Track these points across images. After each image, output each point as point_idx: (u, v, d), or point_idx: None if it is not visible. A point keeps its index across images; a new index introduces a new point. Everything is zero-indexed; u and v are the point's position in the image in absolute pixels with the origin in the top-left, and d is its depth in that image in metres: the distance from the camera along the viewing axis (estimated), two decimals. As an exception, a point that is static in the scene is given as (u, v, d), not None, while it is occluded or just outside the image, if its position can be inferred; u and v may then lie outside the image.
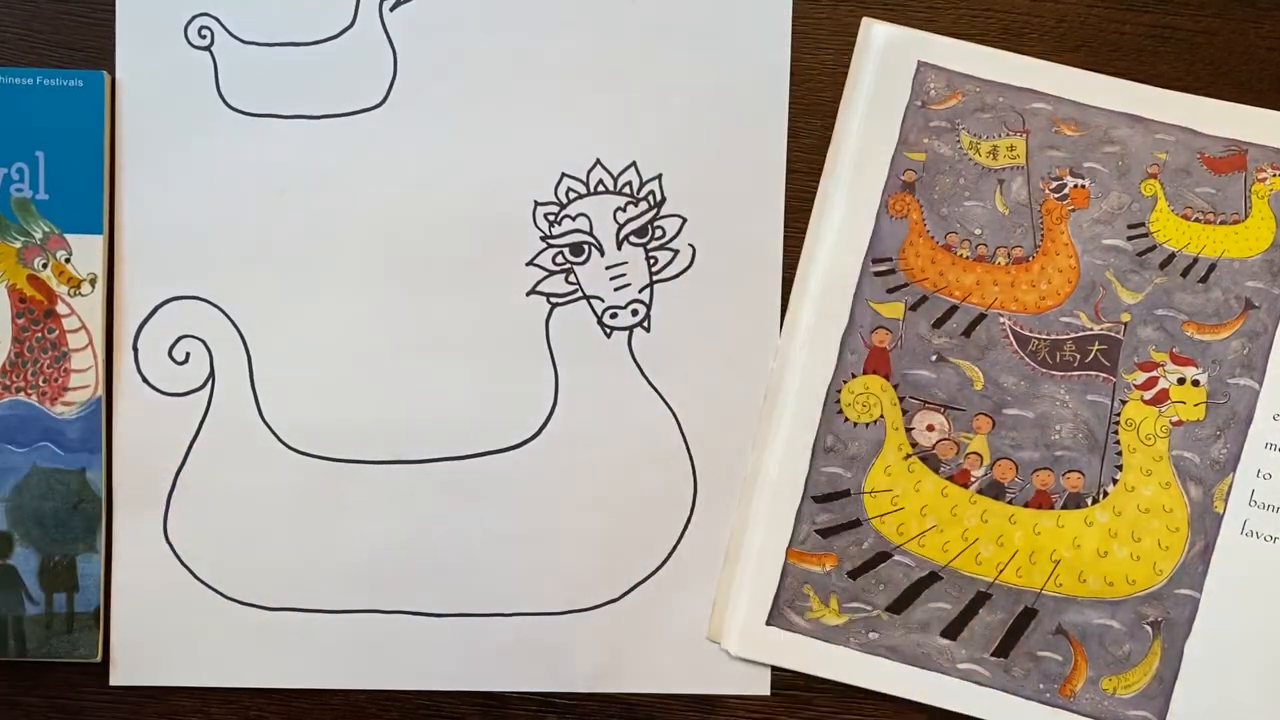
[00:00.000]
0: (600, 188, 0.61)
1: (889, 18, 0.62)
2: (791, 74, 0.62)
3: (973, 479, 0.61)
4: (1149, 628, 0.60)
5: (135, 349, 0.60)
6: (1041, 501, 0.61)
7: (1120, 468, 0.61)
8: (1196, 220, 0.61)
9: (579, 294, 0.61)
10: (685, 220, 0.62)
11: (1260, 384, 0.61)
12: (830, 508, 0.61)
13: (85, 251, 0.60)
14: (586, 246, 0.61)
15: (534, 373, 0.61)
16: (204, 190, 0.61)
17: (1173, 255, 0.61)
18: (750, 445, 0.61)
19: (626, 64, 0.61)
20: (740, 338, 0.62)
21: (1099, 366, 0.61)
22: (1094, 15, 0.62)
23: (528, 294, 0.61)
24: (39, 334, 0.60)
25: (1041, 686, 0.61)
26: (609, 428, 0.61)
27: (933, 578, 0.61)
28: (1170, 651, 0.60)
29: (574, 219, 0.61)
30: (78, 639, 0.59)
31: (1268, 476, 0.60)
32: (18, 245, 0.60)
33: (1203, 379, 0.61)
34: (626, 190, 0.61)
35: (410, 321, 0.61)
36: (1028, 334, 0.61)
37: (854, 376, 0.61)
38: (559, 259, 0.61)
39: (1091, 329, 0.61)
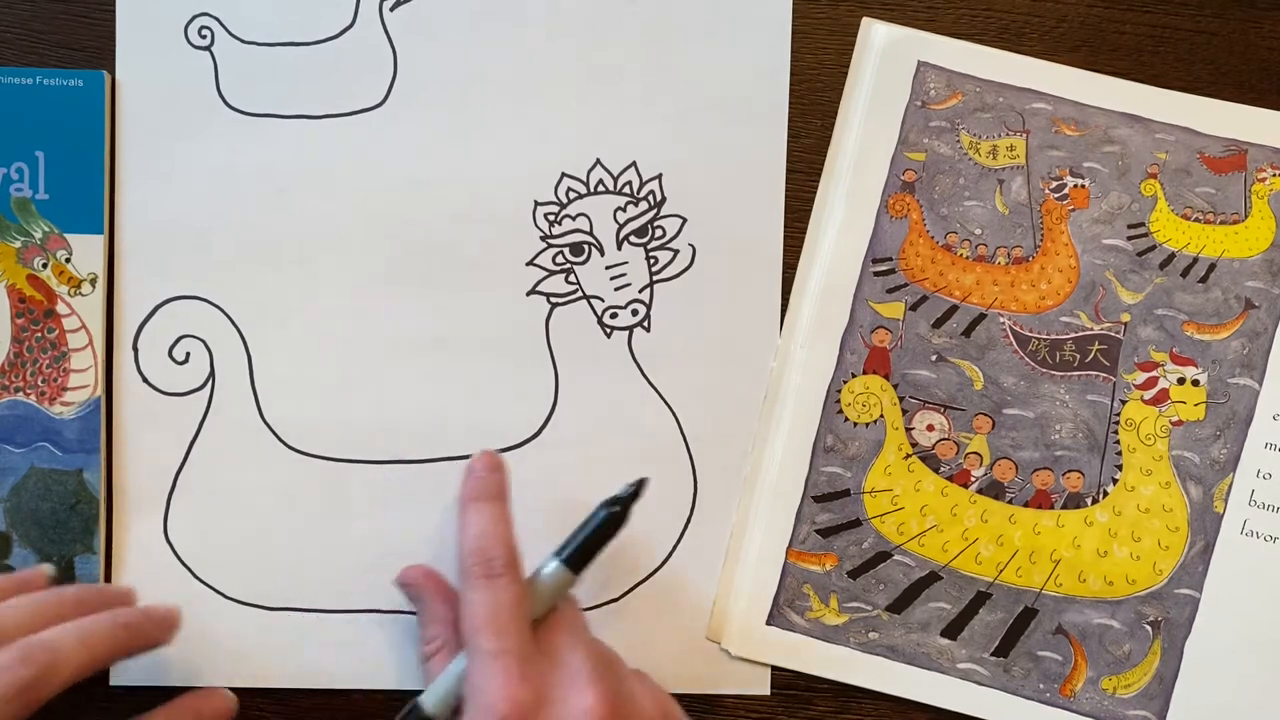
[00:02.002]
0: (600, 188, 0.61)
1: (889, 18, 0.62)
2: (791, 74, 0.62)
3: (973, 479, 0.61)
4: (1149, 627, 0.60)
5: (135, 349, 0.60)
6: (1041, 501, 0.61)
7: (1120, 467, 0.61)
8: (1196, 220, 0.61)
9: (579, 294, 0.61)
10: (685, 220, 0.62)
11: (1260, 384, 0.61)
12: (830, 507, 0.61)
13: (85, 251, 0.60)
14: (586, 246, 0.61)
15: (534, 373, 0.61)
16: (204, 190, 0.61)
17: (1173, 255, 0.61)
18: (750, 445, 0.61)
19: (627, 64, 0.61)
20: (740, 338, 0.61)
21: (1099, 366, 0.61)
22: (1094, 15, 0.62)
23: (528, 294, 0.61)
24: (39, 334, 0.60)
25: (1041, 686, 0.61)
26: (609, 428, 0.61)
27: (933, 577, 0.61)
28: (1170, 651, 0.60)
29: (574, 219, 0.61)
30: (77, 640, 0.59)
31: (1268, 476, 0.60)
32: (18, 245, 0.60)
33: (1203, 379, 0.61)
34: (626, 190, 0.61)
35: (410, 321, 0.61)
36: (1028, 334, 0.61)
37: (854, 376, 0.61)
38: (559, 259, 0.61)
39: (1091, 329, 0.61)
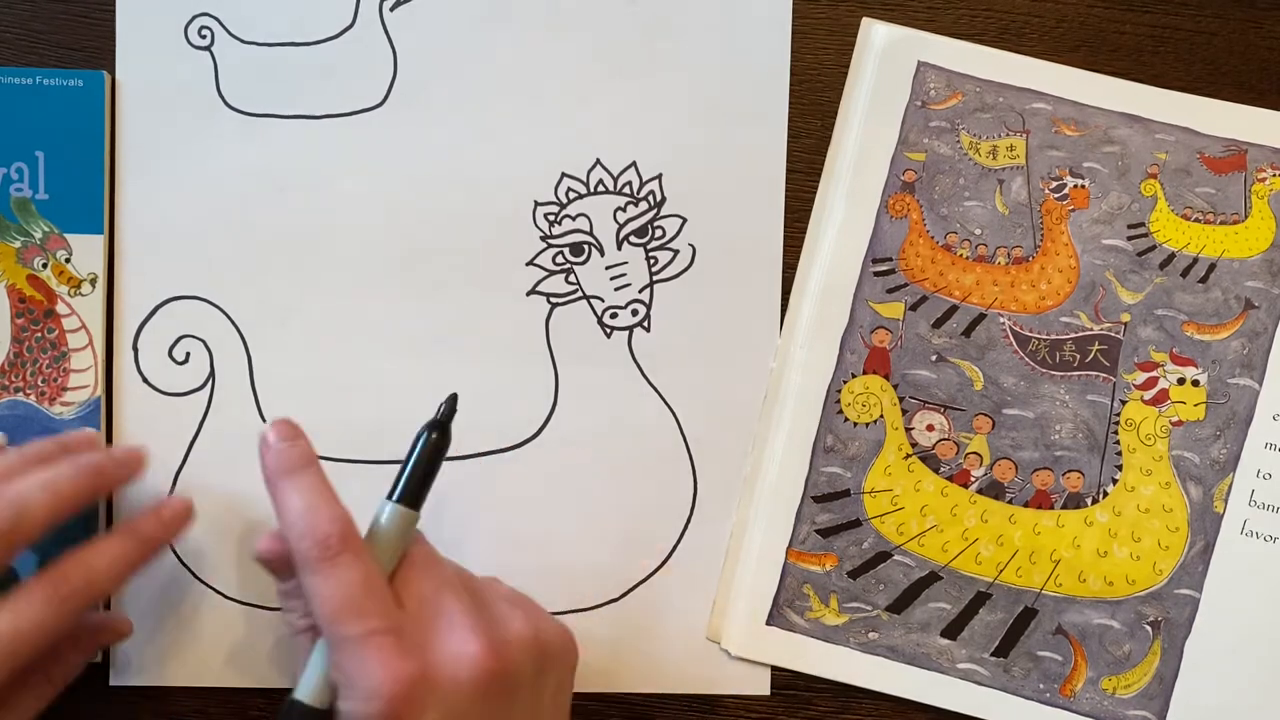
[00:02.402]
0: (600, 188, 0.61)
1: (889, 18, 0.62)
2: (791, 74, 0.62)
3: (973, 479, 0.61)
4: (1149, 627, 0.60)
5: (135, 349, 0.60)
6: (1041, 501, 0.61)
7: (1120, 468, 0.61)
8: (1196, 220, 0.61)
9: (579, 294, 0.61)
10: (685, 220, 0.62)
11: (1260, 384, 0.61)
12: (830, 508, 0.61)
13: (85, 251, 0.60)
14: (586, 246, 0.61)
15: (534, 373, 0.61)
16: (204, 190, 0.61)
17: (1172, 255, 0.61)
18: (750, 445, 0.61)
19: (626, 64, 0.61)
20: (740, 338, 0.61)
21: (1099, 366, 0.61)
22: (1094, 15, 0.62)
23: (528, 294, 0.61)
24: (38, 334, 0.60)
25: (1041, 686, 0.61)
26: (609, 428, 0.61)
27: (933, 578, 0.61)
28: (1170, 651, 0.60)
29: (574, 219, 0.61)
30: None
31: (1268, 476, 0.60)
32: (17, 245, 0.60)
33: (1202, 379, 0.61)
34: (626, 190, 0.61)
35: (410, 321, 0.61)
36: (1028, 334, 0.61)
37: (854, 376, 0.61)
38: (559, 259, 0.61)
39: (1091, 329, 0.61)
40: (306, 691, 0.51)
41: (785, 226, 0.62)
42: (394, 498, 0.52)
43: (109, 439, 0.60)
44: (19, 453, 0.54)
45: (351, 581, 0.49)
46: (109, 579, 0.53)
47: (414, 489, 0.53)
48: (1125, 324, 0.61)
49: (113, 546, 0.53)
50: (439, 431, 0.53)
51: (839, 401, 0.61)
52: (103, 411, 0.60)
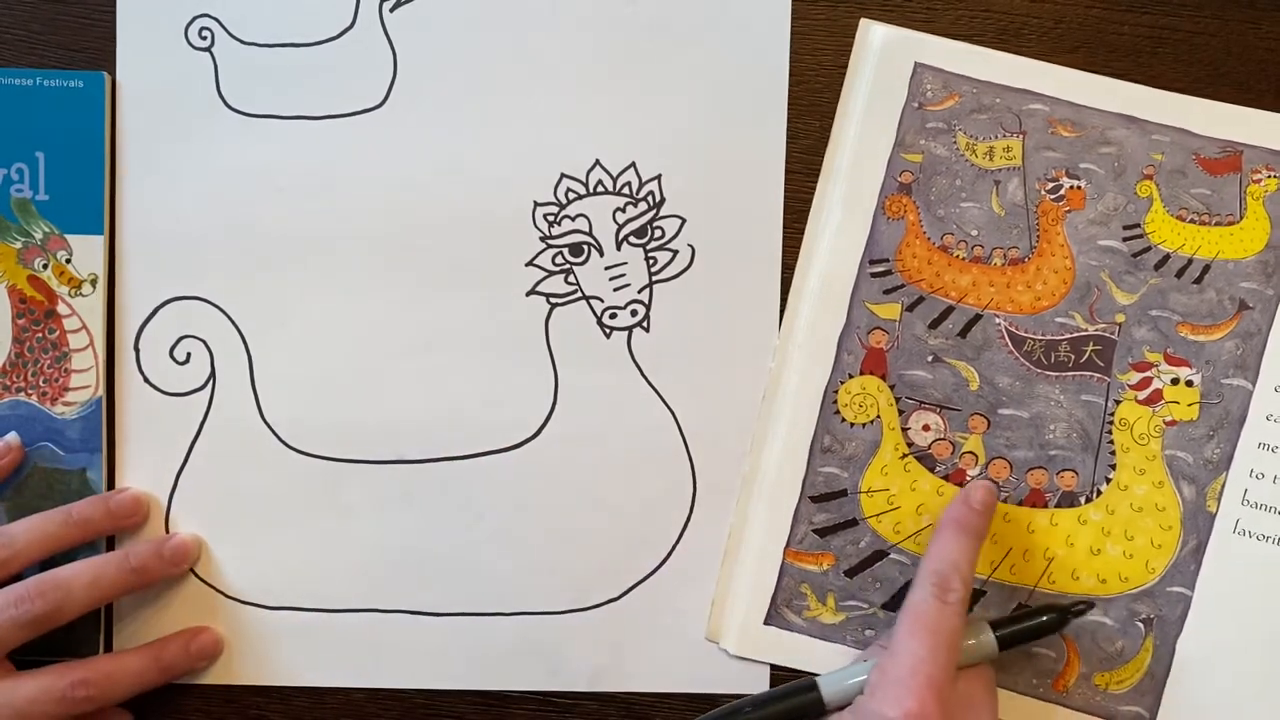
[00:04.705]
0: (600, 188, 0.62)
1: (887, 19, 0.62)
2: (790, 74, 0.62)
3: (968, 478, 0.61)
4: (1141, 625, 0.61)
5: (136, 349, 0.61)
6: (1035, 500, 0.61)
7: (1114, 467, 0.61)
8: (1191, 221, 0.62)
9: (578, 294, 0.61)
10: (684, 220, 0.62)
11: (1253, 384, 0.61)
12: (827, 507, 0.61)
13: (85, 252, 0.60)
14: (586, 247, 0.61)
15: (534, 373, 0.61)
16: (204, 190, 0.61)
17: (1167, 256, 0.62)
18: (749, 445, 0.62)
19: (626, 64, 0.62)
20: (739, 338, 0.62)
21: (1093, 367, 0.61)
22: (1092, 16, 0.63)
23: (528, 294, 0.61)
24: (39, 334, 0.60)
25: (1035, 682, 0.61)
26: (609, 428, 0.61)
27: (928, 576, 0.61)
28: (1162, 649, 0.61)
29: (573, 219, 0.61)
30: (78, 639, 0.59)
31: (1260, 476, 0.61)
32: (18, 246, 0.60)
33: (1196, 379, 0.61)
34: (626, 190, 0.62)
35: (410, 321, 0.61)
36: (1023, 334, 0.61)
37: (851, 377, 0.61)
38: (558, 259, 0.61)
39: (1086, 329, 0.61)
40: (831, 683, 0.56)
41: (783, 227, 0.62)
42: (997, 626, 0.57)
43: (110, 439, 0.60)
44: (65, 516, 0.58)
45: (944, 626, 0.54)
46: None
47: (1012, 637, 0.57)
48: (1120, 324, 0.61)
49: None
50: (1061, 615, 0.58)
51: (836, 402, 0.61)
52: (104, 411, 0.60)
